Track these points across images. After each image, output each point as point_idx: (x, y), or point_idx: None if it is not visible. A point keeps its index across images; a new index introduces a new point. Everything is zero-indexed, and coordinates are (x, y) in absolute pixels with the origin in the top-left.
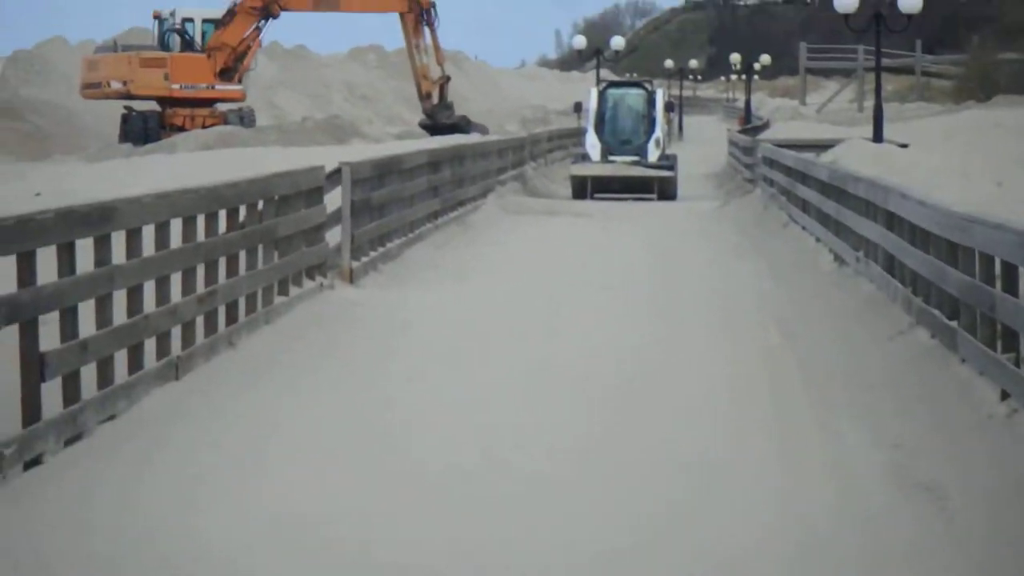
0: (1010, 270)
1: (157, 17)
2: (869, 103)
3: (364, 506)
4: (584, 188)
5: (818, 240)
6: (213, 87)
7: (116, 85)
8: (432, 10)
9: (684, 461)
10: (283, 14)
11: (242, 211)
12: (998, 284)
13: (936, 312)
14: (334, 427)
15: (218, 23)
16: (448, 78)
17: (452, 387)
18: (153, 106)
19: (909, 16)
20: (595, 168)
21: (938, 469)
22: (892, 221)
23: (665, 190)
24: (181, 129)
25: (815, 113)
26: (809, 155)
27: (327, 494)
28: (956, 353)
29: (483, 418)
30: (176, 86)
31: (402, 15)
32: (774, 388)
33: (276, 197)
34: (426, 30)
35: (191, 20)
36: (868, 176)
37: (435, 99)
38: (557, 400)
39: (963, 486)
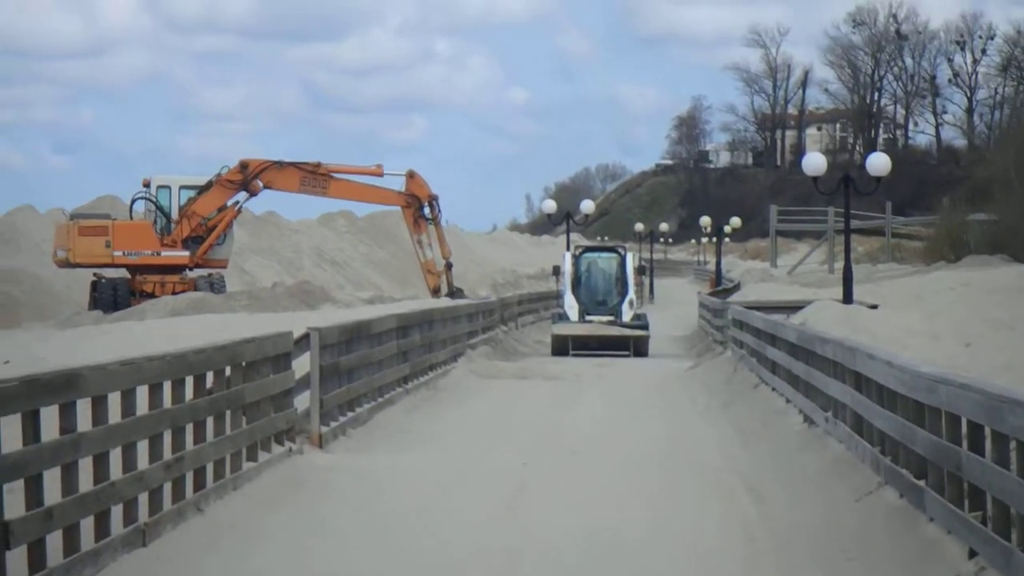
0: (976, 430)
1: (146, 185)
2: (840, 264)
3: None
4: (565, 346)
5: (788, 401)
6: (159, 253)
7: (60, 254)
8: (434, 204)
9: None
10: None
11: (209, 377)
12: (964, 443)
13: (904, 472)
14: None
15: (200, 190)
16: (450, 265)
17: (421, 555)
18: (124, 274)
19: (878, 179)
20: (575, 328)
21: None
22: (860, 381)
23: (639, 347)
24: (151, 296)
25: (786, 275)
26: (779, 316)
27: None
28: (924, 512)
29: None
30: (118, 253)
31: (402, 208)
32: (744, 552)
33: (243, 363)
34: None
35: (167, 187)
36: (836, 337)
37: (443, 290)
38: (524, 568)
39: None
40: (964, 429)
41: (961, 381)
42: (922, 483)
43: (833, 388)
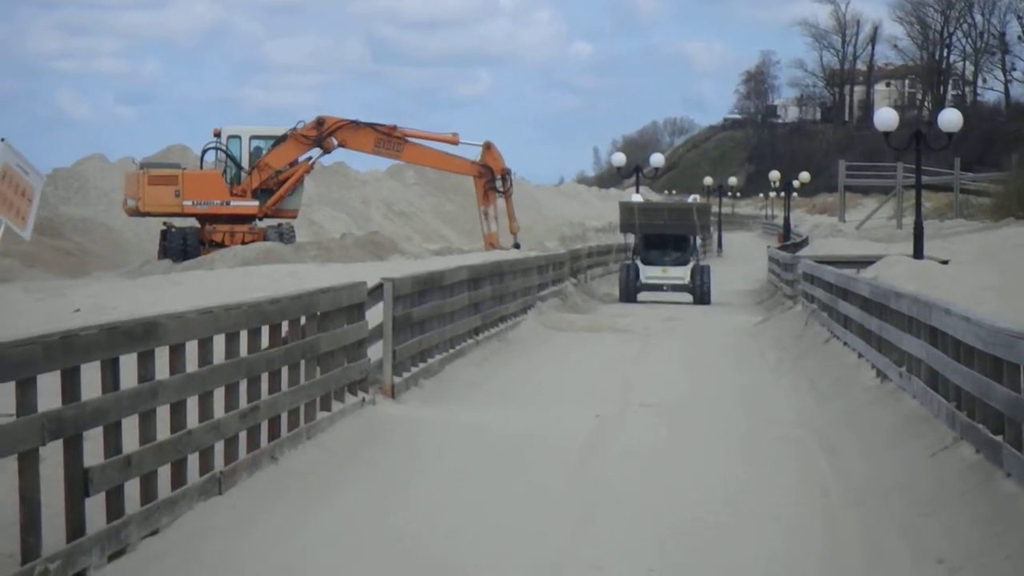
0: None
1: (217, 135)
2: (908, 220)
3: None
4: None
5: (860, 356)
6: (228, 203)
7: (131, 203)
8: (507, 177)
9: None
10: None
11: (284, 327)
12: None
13: (981, 427)
14: (373, 549)
15: (274, 142)
16: (518, 246)
17: (491, 507)
18: (194, 223)
19: (950, 135)
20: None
21: None
22: (935, 337)
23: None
24: (221, 245)
25: (854, 230)
26: (849, 271)
27: None
28: (1001, 468)
29: (524, 542)
30: (188, 202)
31: (474, 178)
32: (821, 507)
33: (318, 313)
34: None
35: (237, 137)
36: (911, 292)
37: None
38: (601, 528)
39: None
40: None
41: None
42: (999, 438)
43: (907, 343)
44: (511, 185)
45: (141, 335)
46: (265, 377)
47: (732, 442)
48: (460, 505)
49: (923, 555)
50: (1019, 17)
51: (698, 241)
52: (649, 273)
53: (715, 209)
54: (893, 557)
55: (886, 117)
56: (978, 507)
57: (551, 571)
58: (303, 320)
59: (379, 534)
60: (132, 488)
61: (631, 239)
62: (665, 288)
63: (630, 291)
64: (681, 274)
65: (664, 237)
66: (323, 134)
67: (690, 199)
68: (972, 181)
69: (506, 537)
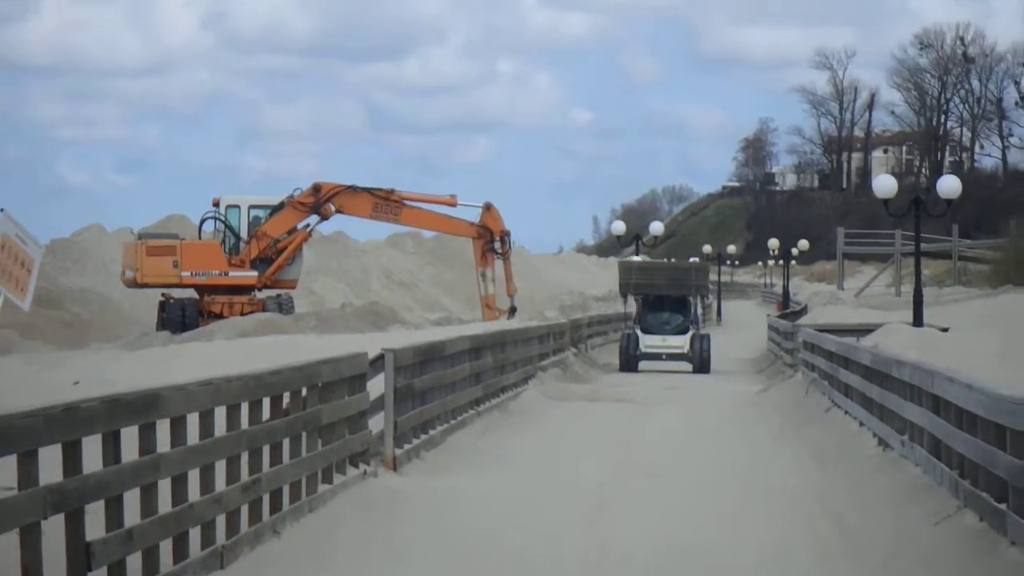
0: None
1: (216, 204)
2: (906, 288)
3: None
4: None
5: (861, 424)
6: (227, 274)
7: (128, 274)
8: (506, 239)
9: None
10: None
11: (286, 398)
12: None
13: (984, 495)
14: None
15: (271, 210)
16: (515, 309)
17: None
18: (192, 294)
19: (948, 201)
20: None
21: None
22: (938, 405)
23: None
24: (220, 316)
25: (853, 298)
26: (850, 339)
27: None
28: (1006, 536)
29: None
30: (186, 273)
31: (473, 239)
32: (822, 573)
33: (320, 384)
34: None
35: (236, 206)
36: (913, 360)
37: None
38: None
39: None
40: None
41: None
42: (1003, 507)
43: (909, 411)
44: (510, 247)
45: (142, 407)
46: (267, 449)
47: (736, 511)
48: (463, 574)
49: None
50: (1016, 83)
51: (699, 309)
52: (649, 342)
53: (714, 277)
54: None
55: (885, 184)
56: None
57: None
58: (304, 391)
59: None
60: (134, 562)
61: (632, 307)
62: (664, 357)
63: (630, 360)
64: (680, 343)
65: (663, 303)
66: (320, 200)
67: (690, 261)
68: (970, 248)
69: None
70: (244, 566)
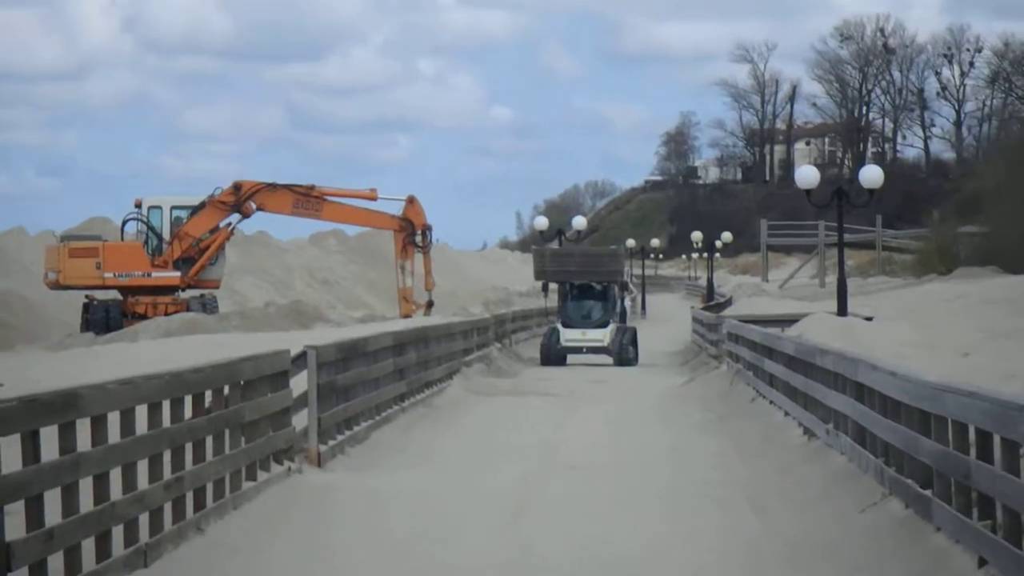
0: (984, 438)
1: (138, 206)
2: (830, 278)
3: None
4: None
5: (787, 414)
6: (150, 275)
7: (51, 276)
8: (427, 233)
9: None
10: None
11: (208, 396)
12: (972, 452)
13: (909, 482)
14: None
15: (193, 210)
16: (432, 304)
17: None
18: (116, 295)
19: (871, 191)
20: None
21: None
22: (862, 393)
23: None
24: (143, 317)
25: (777, 289)
26: (774, 330)
27: None
28: (931, 522)
29: None
30: (109, 275)
31: (394, 232)
32: (752, 565)
33: (242, 382)
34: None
35: (158, 207)
36: (836, 349)
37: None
38: None
39: None
40: (972, 437)
41: (969, 390)
42: (928, 493)
43: (834, 400)
44: (431, 242)
45: (61, 407)
46: (189, 447)
47: (660, 502)
48: (387, 570)
49: None
50: (937, 73)
51: (626, 303)
52: (569, 336)
53: (638, 271)
54: None
55: (807, 175)
56: (910, 562)
57: None
58: (227, 389)
59: None
60: (56, 561)
61: (553, 302)
62: (584, 351)
63: (550, 355)
64: (600, 336)
65: (584, 296)
66: (241, 199)
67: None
68: (893, 238)
69: None
70: (168, 564)
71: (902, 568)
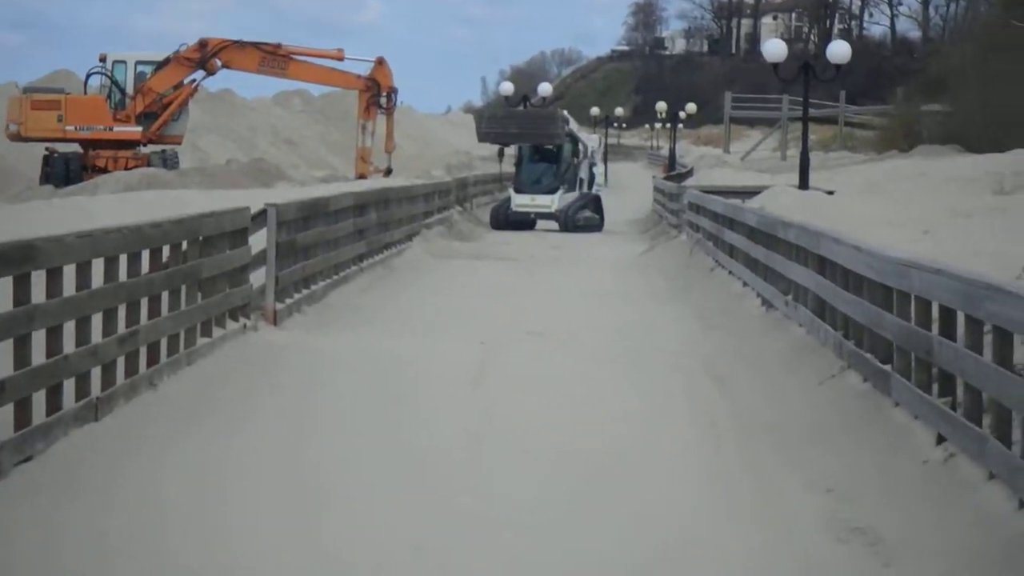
0: (949, 315)
1: (102, 60)
2: (792, 152)
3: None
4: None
5: (745, 284)
6: (111, 129)
7: (12, 128)
8: (392, 95)
9: (623, 513)
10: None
11: (166, 251)
12: (935, 328)
13: (869, 356)
14: (256, 475)
15: (157, 66)
16: (391, 171)
17: (375, 435)
18: (77, 148)
19: (837, 66)
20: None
21: (872, 514)
22: (824, 266)
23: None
24: (104, 171)
25: (739, 161)
26: (735, 201)
27: (239, 545)
28: (890, 397)
29: (411, 467)
30: (70, 128)
31: (359, 92)
32: (706, 434)
33: (201, 238)
34: (381, 115)
35: (123, 62)
36: (799, 222)
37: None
38: (488, 453)
39: (898, 531)
40: (935, 314)
41: (935, 266)
42: (888, 368)
43: (795, 272)
44: (395, 104)
45: (17, 258)
46: (145, 302)
47: (619, 371)
48: (343, 432)
49: (813, 484)
50: None
51: (593, 169)
52: (518, 201)
53: (603, 140)
54: (782, 486)
55: (774, 48)
56: (868, 436)
57: (441, 504)
58: (185, 245)
59: (261, 460)
60: (6, 414)
61: (511, 169)
62: (533, 216)
63: (499, 219)
64: (547, 202)
65: (536, 159)
66: (207, 55)
67: (565, 114)
68: (857, 114)
69: (392, 467)
70: (119, 418)
71: (859, 441)
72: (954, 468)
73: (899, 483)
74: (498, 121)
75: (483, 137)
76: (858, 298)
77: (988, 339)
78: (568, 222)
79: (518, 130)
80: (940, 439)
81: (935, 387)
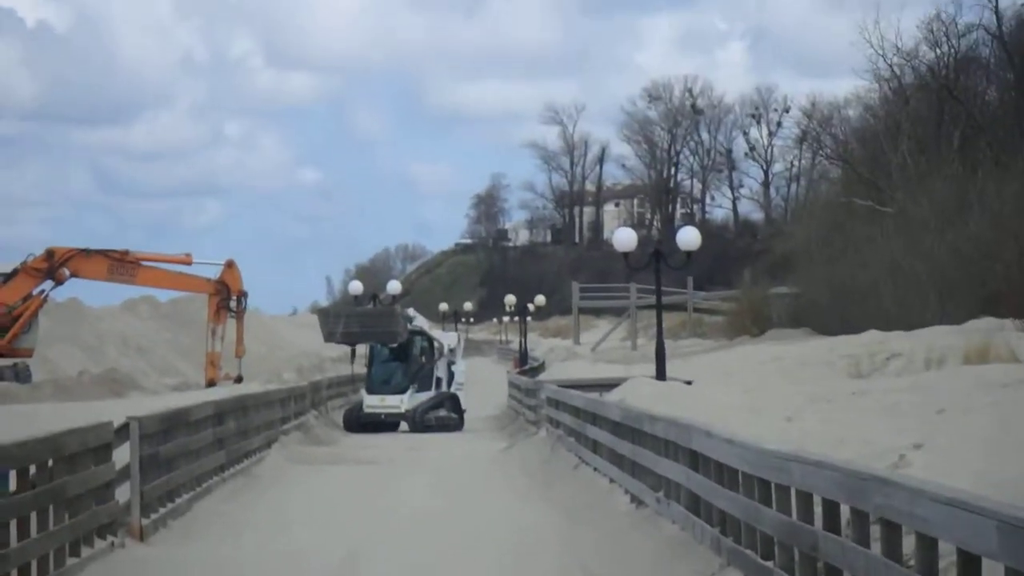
0: (832, 508)
1: None
2: (641, 340)
3: None
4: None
5: (612, 481)
6: None
7: None
8: (242, 299)
9: None
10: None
11: (32, 471)
12: (818, 523)
13: (749, 552)
14: None
15: (4, 278)
16: (241, 378)
17: None
18: None
19: (688, 253)
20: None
21: None
22: (696, 460)
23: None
24: None
25: (590, 352)
26: (593, 395)
27: None
28: None
29: None
30: None
31: (209, 295)
32: None
33: (65, 455)
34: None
35: None
36: (667, 415)
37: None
38: None
39: None
40: (817, 508)
41: (815, 459)
42: (770, 564)
43: (665, 467)
44: (245, 308)
45: None
46: (14, 524)
47: (490, 574)
48: None
49: None
50: (745, 133)
51: (440, 367)
52: (370, 402)
53: (462, 338)
54: None
55: (624, 237)
56: None
57: None
58: (51, 463)
59: None
60: None
61: (362, 369)
62: (384, 417)
63: (351, 422)
64: (397, 402)
65: (387, 358)
66: (54, 265)
67: (410, 312)
68: (704, 299)
69: None
70: None
71: None
72: None
73: None
74: (342, 321)
75: (328, 337)
76: (735, 493)
77: (873, 529)
78: (419, 422)
79: (360, 329)
80: None
81: None
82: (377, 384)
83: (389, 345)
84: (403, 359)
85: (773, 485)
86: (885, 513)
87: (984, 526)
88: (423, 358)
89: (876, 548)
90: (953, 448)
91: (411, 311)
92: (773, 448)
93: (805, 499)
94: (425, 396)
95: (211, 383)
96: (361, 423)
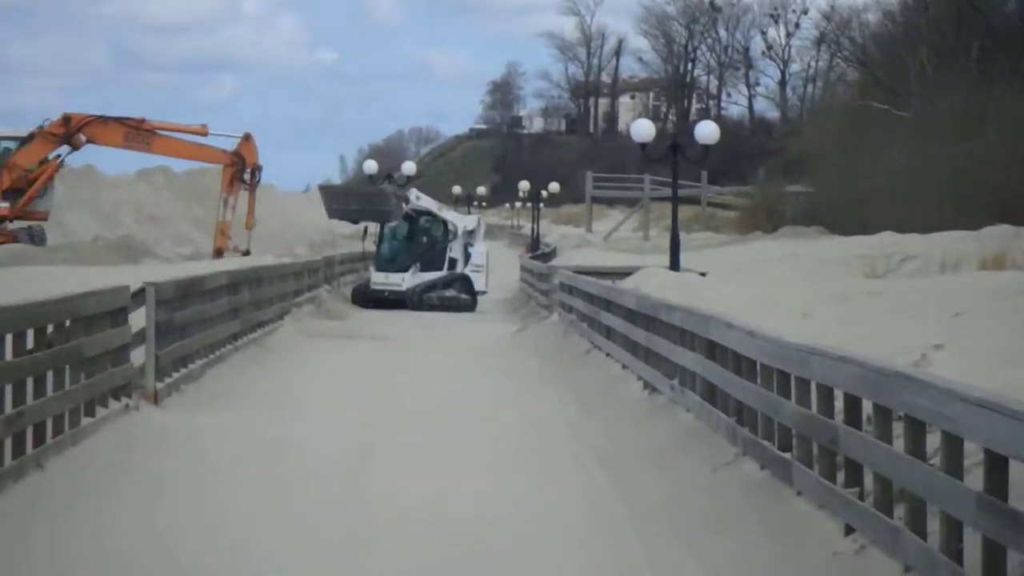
0: (854, 403)
1: None
2: (654, 232)
3: None
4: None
5: (624, 367)
6: None
7: None
8: (256, 172)
9: None
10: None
11: (49, 330)
12: (839, 417)
13: (766, 443)
14: (136, 556)
15: (21, 141)
16: (248, 252)
17: (258, 517)
18: None
19: (706, 147)
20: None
21: None
22: (713, 350)
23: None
24: None
25: (602, 240)
26: (607, 282)
27: None
28: (791, 485)
29: (293, 547)
30: None
31: (224, 166)
32: (599, 527)
33: (83, 316)
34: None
35: None
36: (684, 305)
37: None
38: (364, 539)
39: None
40: (837, 402)
41: (838, 354)
42: (788, 455)
43: (681, 356)
44: (259, 182)
45: None
46: (30, 382)
47: (505, 456)
48: (224, 512)
49: (716, 574)
50: (763, 32)
51: (454, 247)
52: (376, 279)
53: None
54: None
55: (642, 128)
56: (773, 525)
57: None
58: (68, 323)
59: (141, 540)
60: None
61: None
62: (387, 294)
63: (359, 296)
64: (398, 280)
65: (395, 237)
66: (71, 130)
67: (412, 194)
68: (718, 194)
69: (273, 548)
70: (8, 500)
71: (763, 530)
72: (866, 560)
73: (811, 574)
74: (342, 198)
75: (332, 214)
76: (753, 384)
77: (896, 426)
78: (415, 301)
79: (358, 207)
80: (849, 530)
81: (840, 476)
82: (384, 262)
83: (384, 223)
84: (410, 239)
85: (793, 377)
86: (910, 410)
87: (1014, 428)
88: (424, 239)
89: (898, 446)
90: (975, 351)
91: (414, 192)
92: (794, 341)
93: (826, 393)
94: (431, 276)
95: (219, 252)
96: (368, 298)
